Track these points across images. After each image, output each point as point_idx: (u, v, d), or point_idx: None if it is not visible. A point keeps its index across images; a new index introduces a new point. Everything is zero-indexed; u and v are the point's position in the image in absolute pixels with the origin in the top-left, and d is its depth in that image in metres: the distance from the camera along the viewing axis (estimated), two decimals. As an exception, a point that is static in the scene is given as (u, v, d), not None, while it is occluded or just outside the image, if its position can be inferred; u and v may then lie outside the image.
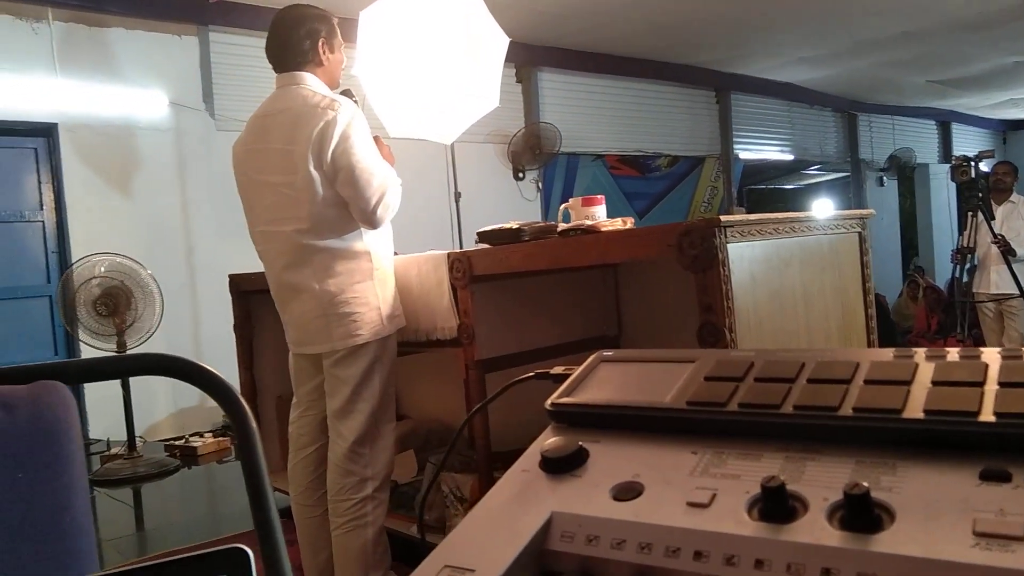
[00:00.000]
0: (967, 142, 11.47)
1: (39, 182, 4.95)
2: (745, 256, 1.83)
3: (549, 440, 0.56)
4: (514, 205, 6.67)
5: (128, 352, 4.18)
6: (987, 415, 0.45)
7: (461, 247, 4.70)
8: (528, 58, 6.81)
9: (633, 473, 0.51)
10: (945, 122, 11.39)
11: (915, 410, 0.47)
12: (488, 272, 2.31)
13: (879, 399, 0.49)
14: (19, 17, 4.71)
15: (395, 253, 2.52)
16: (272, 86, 2.39)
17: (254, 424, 0.87)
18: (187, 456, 4.53)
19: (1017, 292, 5.03)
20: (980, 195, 5.17)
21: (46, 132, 4.92)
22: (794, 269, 1.97)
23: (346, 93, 2.44)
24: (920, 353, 0.53)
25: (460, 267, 2.34)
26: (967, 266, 5.38)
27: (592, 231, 2.08)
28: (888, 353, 0.54)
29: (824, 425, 0.49)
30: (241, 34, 5.38)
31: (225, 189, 5.25)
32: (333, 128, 2.17)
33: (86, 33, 4.95)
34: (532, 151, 6.82)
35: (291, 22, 2.35)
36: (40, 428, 0.76)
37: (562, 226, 2.21)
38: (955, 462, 0.44)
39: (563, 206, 2.43)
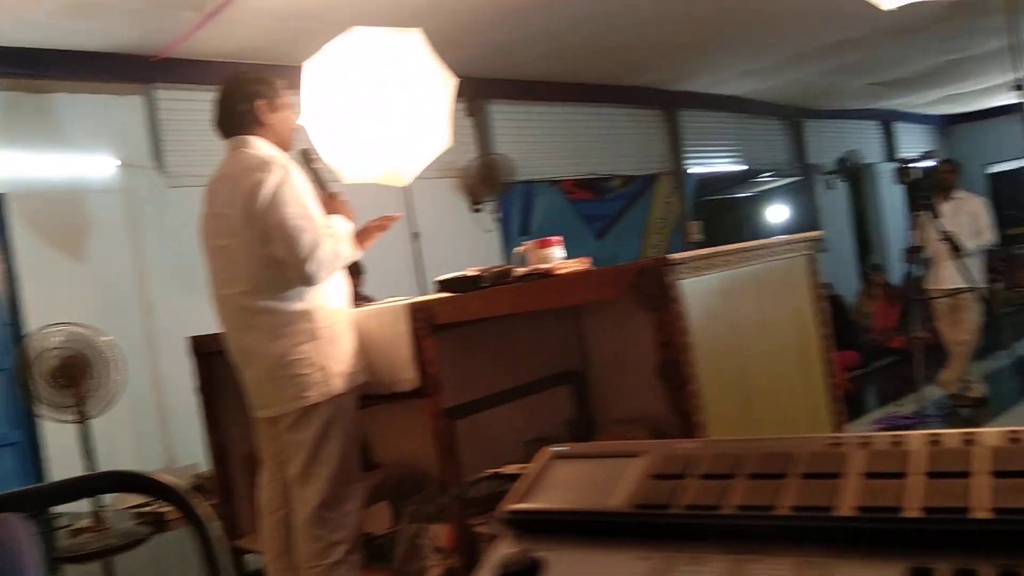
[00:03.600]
0: (910, 139, 11.79)
1: (-12, 254, 4.85)
2: (699, 291, 1.87)
3: (503, 553, 0.57)
4: (473, 238, 6.69)
5: (88, 417, 4.11)
6: (913, 510, 0.47)
7: (423, 288, 4.70)
8: (478, 91, 6.87)
9: (586, 585, 0.52)
10: (887, 122, 11.69)
11: (847, 507, 0.49)
12: (450, 320, 2.31)
13: (814, 495, 0.50)
14: (-41, 89, 4.64)
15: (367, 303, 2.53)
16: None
17: (213, 533, 0.87)
18: (156, 523, 4.42)
19: (968, 286, 5.15)
20: (925, 194, 5.30)
21: (-7, 203, 4.83)
22: (749, 298, 2.01)
23: (304, 153, 2.48)
24: (851, 441, 0.55)
25: (422, 317, 2.34)
26: (919, 263, 5.51)
27: (550, 274, 2.10)
28: (821, 442, 0.56)
29: (764, 526, 0.50)
30: (188, 89, 5.35)
31: (181, 247, 5.23)
32: (261, 188, 2.20)
33: (30, 101, 4.89)
34: (487, 183, 6.86)
35: (229, 89, 2.40)
36: (-5, 564, 0.75)
37: (519, 270, 2.23)
38: (885, 560, 0.46)
39: (518, 249, 2.45)
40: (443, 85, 3.87)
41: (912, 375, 5.35)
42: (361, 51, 3.57)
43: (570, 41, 6.27)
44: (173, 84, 5.38)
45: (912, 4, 3.46)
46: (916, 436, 0.53)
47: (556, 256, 2.31)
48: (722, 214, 10.75)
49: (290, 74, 3.13)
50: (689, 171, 8.88)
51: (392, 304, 2.52)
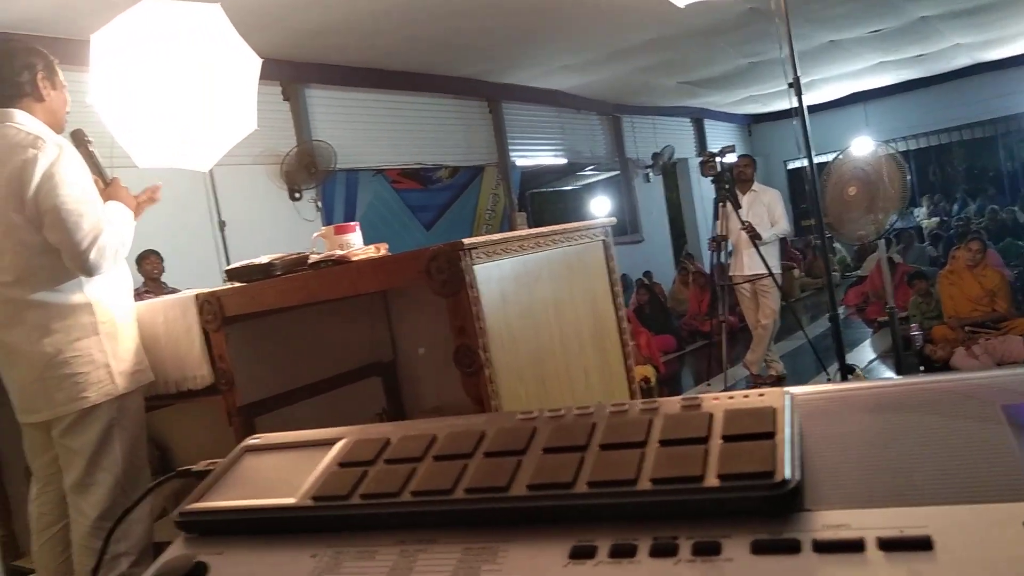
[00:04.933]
0: (718, 136, 12.61)
1: None
2: (494, 276, 1.86)
3: (164, 558, 0.51)
4: (293, 227, 6.42)
5: None
6: (582, 485, 0.45)
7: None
8: (293, 75, 6.60)
9: (248, 590, 0.47)
10: (698, 119, 12.44)
11: (521, 486, 0.46)
12: (241, 312, 2.18)
13: (493, 475, 0.47)
14: None
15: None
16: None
17: None
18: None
19: (767, 272, 5.54)
20: (727, 186, 5.64)
21: None
22: (544, 283, 2.02)
23: (76, 134, 2.26)
24: (542, 415, 0.53)
25: (210, 309, 2.19)
26: (725, 251, 5.88)
27: (343, 261, 2.02)
28: (513, 417, 0.53)
29: (437, 511, 0.47)
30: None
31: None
32: (33, 167, 2.00)
33: None
34: (307, 170, 6.61)
35: (3, 54, 2.13)
36: None
37: (313, 257, 2.13)
38: (554, 539, 0.44)
39: (316, 235, 2.35)
40: (246, 64, 3.66)
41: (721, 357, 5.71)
42: (155, 24, 3.31)
43: (385, 29, 6.16)
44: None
45: (706, 4, 3.65)
46: (601, 408, 0.51)
47: (353, 242, 2.23)
48: (547, 206, 11.03)
49: (76, 48, 2.85)
50: (515, 163, 9.02)
51: (178, 296, 2.34)
